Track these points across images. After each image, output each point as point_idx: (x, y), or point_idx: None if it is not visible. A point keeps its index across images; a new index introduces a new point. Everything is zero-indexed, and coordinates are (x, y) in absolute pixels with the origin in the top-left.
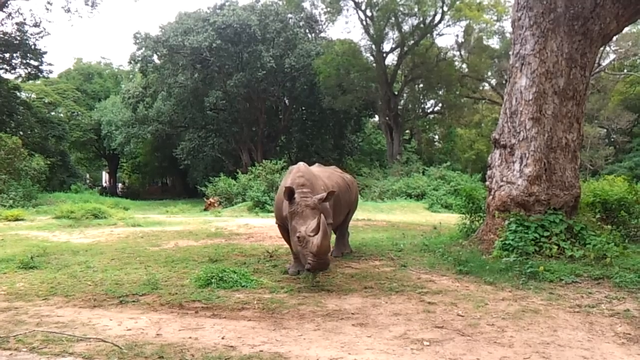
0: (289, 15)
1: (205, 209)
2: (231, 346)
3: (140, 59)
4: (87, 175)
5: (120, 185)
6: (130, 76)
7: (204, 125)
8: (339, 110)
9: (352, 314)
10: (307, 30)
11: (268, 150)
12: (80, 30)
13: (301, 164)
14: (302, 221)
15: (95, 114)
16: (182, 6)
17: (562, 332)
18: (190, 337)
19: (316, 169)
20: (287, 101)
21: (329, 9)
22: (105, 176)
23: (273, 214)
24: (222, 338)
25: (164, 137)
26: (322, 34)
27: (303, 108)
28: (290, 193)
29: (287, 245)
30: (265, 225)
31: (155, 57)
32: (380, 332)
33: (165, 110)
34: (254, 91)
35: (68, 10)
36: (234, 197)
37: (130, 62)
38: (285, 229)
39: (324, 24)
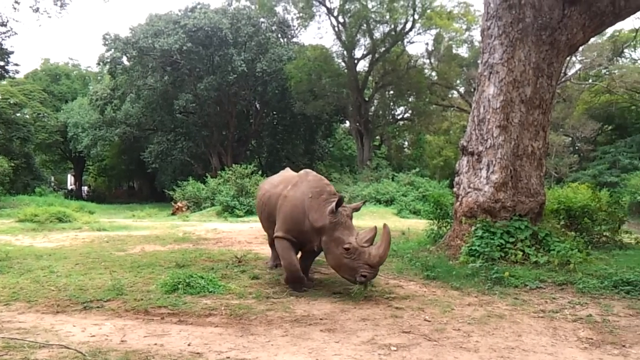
0: (261, 20)
1: (173, 214)
2: (197, 353)
3: (109, 60)
4: (52, 178)
5: (86, 188)
6: (99, 78)
7: (173, 129)
8: (310, 115)
9: (321, 319)
10: (279, 35)
11: (238, 154)
12: (49, 30)
13: (309, 171)
14: (347, 232)
15: (62, 116)
16: (152, 8)
17: (526, 337)
18: (155, 344)
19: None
20: (258, 105)
21: (301, 15)
22: (70, 179)
23: (241, 219)
24: (189, 345)
25: (132, 139)
26: (295, 39)
27: (274, 112)
28: (339, 203)
29: (256, 251)
30: (234, 230)
31: (124, 59)
32: (348, 337)
33: (134, 113)
34: (225, 95)
35: (36, 10)
36: (203, 201)
37: (98, 64)
38: (293, 243)
39: (297, 29)
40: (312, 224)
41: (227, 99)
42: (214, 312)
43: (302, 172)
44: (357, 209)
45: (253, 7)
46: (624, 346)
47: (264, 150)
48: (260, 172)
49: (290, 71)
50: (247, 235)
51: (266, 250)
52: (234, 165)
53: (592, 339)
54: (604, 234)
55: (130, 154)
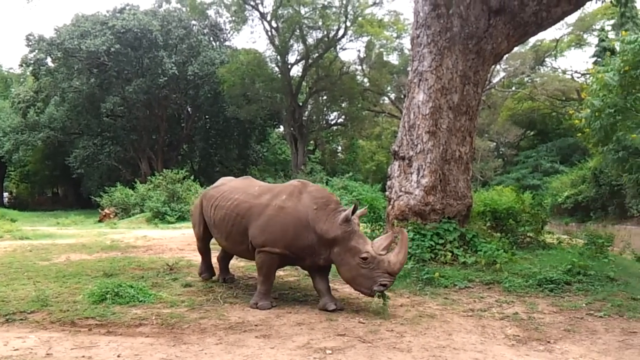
0: (193, 22)
1: (100, 221)
2: None
3: (32, 61)
4: None
5: (7, 195)
6: (21, 80)
7: (99, 132)
8: (244, 119)
9: (256, 325)
10: (211, 38)
11: (169, 159)
12: None
13: (305, 181)
14: (362, 240)
15: None
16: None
17: (456, 335)
18: (83, 356)
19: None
20: (189, 109)
21: (234, 18)
22: None
23: (172, 225)
24: (118, 356)
25: (56, 144)
26: (227, 43)
27: (206, 116)
28: (354, 210)
29: (189, 258)
30: (165, 237)
31: (49, 60)
32: (284, 342)
33: (58, 116)
34: (155, 98)
35: None
36: (132, 207)
37: (21, 65)
38: (285, 259)
39: (229, 32)
40: (321, 235)
41: (157, 102)
42: (145, 322)
43: (295, 182)
44: (363, 216)
45: (184, 9)
46: (548, 342)
47: (196, 154)
48: (192, 177)
49: (223, 75)
50: (178, 242)
51: (199, 258)
52: (164, 170)
53: (518, 336)
54: (528, 234)
55: (54, 159)
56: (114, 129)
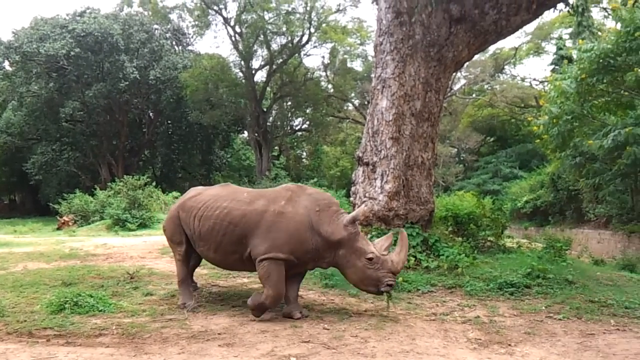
0: (155, 26)
1: (59, 228)
2: None
3: None
4: None
5: None
6: None
7: (58, 138)
8: (207, 125)
9: (219, 334)
10: (173, 43)
11: (130, 165)
12: None
13: (303, 185)
14: (365, 242)
15: None
16: (38, 11)
17: (420, 340)
18: None
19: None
20: (151, 114)
21: (197, 23)
22: None
23: (133, 233)
24: None
25: (13, 150)
26: (190, 47)
27: (169, 122)
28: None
29: (150, 266)
30: (125, 245)
31: (6, 64)
32: (248, 350)
33: (16, 121)
34: (116, 103)
35: None
36: (91, 215)
37: None
38: (291, 265)
39: (192, 37)
40: (326, 238)
41: (118, 107)
42: (105, 332)
43: (290, 185)
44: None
45: (146, 13)
46: (509, 345)
47: (158, 160)
48: (154, 184)
49: (186, 80)
50: (139, 250)
51: (160, 266)
52: (125, 176)
53: (480, 339)
54: (489, 238)
55: (11, 165)
56: (74, 134)
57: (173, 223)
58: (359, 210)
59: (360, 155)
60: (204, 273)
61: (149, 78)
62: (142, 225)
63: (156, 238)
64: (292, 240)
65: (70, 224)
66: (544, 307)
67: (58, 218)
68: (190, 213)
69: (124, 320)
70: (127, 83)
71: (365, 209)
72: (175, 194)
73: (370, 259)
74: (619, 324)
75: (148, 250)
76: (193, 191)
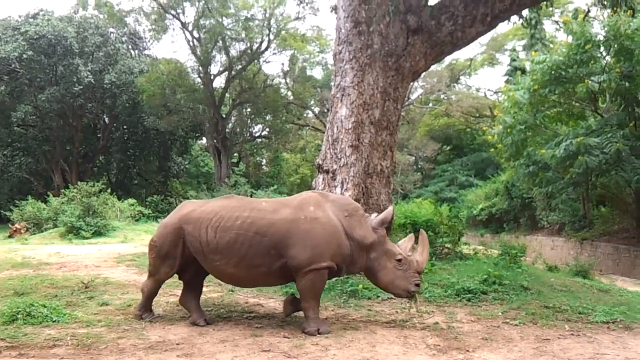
0: (111, 30)
1: (10, 236)
2: None
3: None
4: None
5: None
6: None
7: (10, 143)
8: (164, 130)
9: (177, 344)
10: (130, 47)
11: (84, 171)
12: None
13: (323, 192)
14: (391, 244)
15: None
16: None
17: (380, 347)
18: None
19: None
20: (106, 119)
21: (154, 27)
22: None
23: (88, 241)
24: None
25: None
26: (147, 52)
27: (124, 127)
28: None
29: (105, 275)
30: (79, 253)
31: None
32: None
33: None
34: (69, 107)
35: None
36: (44, 222)
37: None
38: (331, 271)
39: (149, 41)
40: (360, 242)
41: (72, 111)
42: (59, 343)
43: (311, 192)
44: None
45: (102, 16)
46: (467, 351)
47: (113, 166)
48: (109, 190)
49: (142, 84)
50: (94, 258)
51: (116, 275)
52: (79, 182)
53: (439, 345)
54: (446, 245)
55: None
56: (26, 139)
57: (172, 237)
58: (387, 212)
59: (320, 162)
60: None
61: (104, 82)
62: (97, 233)
63: (111, 246)
64: (332, 247)
65: (22, 231)
66: (500, 313)
67: (10, 226)
68: (199, 225)
69: (78, 330)
70: (82, 87)
71: (391, 211)
72: (131, 200)
73: (399, 260)
74: (573, 329)
75: (103, 258)
76: (190, 205)
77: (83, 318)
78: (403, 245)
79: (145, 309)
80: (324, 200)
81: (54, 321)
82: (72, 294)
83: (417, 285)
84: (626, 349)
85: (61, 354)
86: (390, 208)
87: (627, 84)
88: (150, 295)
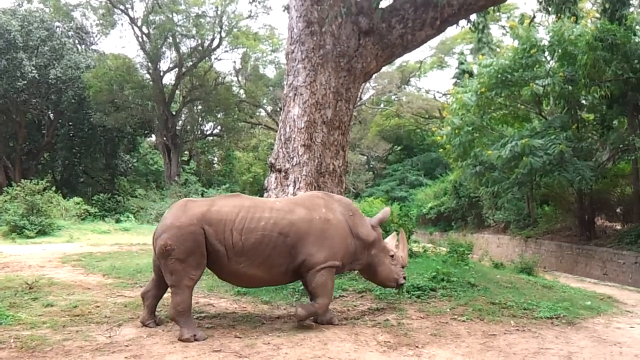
0: (57, 24)
1: None
2: None
3: None
4: None
5: None
6: None
7: None
8: (112, 127)
9: (125, 346)
10: (76, 41)
11: (28, 168)
12: None
13: (328, 193)
14: (384, 242)
15: None
16: None
17: (331, 344)
18: None
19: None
20: (51, 115)
21: (101, 22)
22: None
23: (32, 240)
24: None
25: None
26: (94, 47)
27: (70, 123)
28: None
29: (50, 276)
30: (23, 253)
31: None
32: None
33: None
34: (13, 103)
35: None
36: None
37: None
38: (338, 269)
39: (96, 36)
40: (364, 240)
41: (16, 107)
42: (2, 346)
43: (317, 193)
44: None
45: (47, 10)
46: (417, 347)
47: (58, 164)
48: (54, 188)
49: (89, 80)
50: (39, 258)
51: (61, 275)
52: (22, 180)
53: (389, 342)
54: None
55: None
56: None
57: (194, 241)
58: (385, 212)
59: (273, 161)
60: (109, 282)
61: (49, 77)
62: (42, 233)
63: (57, 246)
64: (343, 247)
65: None
66: (448, 310)
67: None
68: (222, 227)
69: (22, 332)
70: (26, 82)
71: (388, 211)
72: (76, 199)
73: (392, 256)
74: (518, 324)
75: (48, 258)
76: (196, 204)
77: (27, 320)
78: (390, 242)
79: (191, 329)
80: (331, 201)
81: None
82: (16, 295)
83: (404, 277)
84: (569, 344)
85: (4, 357)
86: (387, 209)
87: (570, 87)
88: (188, 308)
